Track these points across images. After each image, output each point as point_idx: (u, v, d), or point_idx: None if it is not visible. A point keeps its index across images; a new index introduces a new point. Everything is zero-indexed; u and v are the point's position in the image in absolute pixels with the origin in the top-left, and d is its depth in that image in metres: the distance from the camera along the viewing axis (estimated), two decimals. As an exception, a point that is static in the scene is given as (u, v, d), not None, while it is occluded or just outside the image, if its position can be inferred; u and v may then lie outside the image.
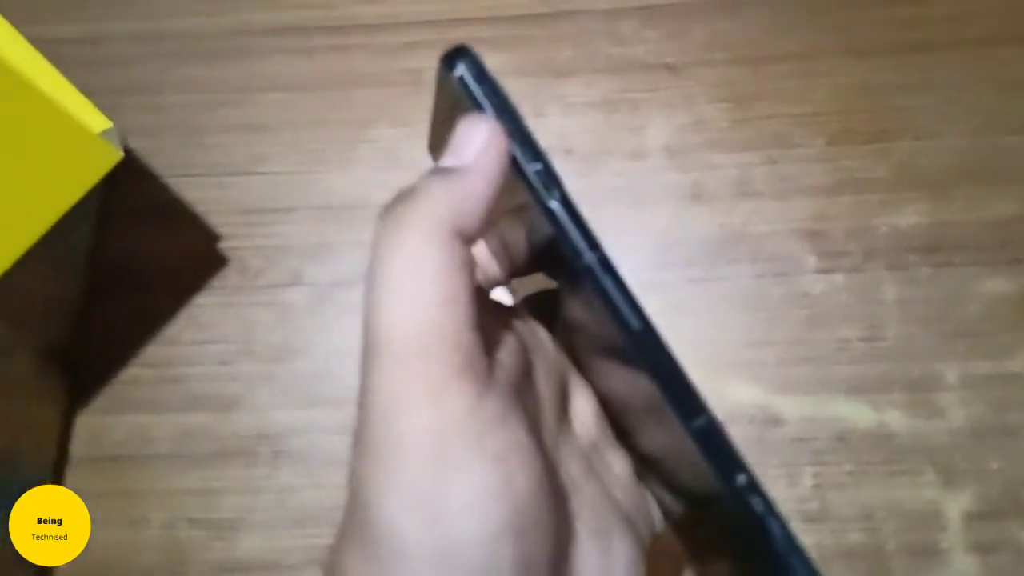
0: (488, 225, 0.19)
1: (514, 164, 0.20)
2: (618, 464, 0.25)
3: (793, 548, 0.18)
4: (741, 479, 0.18)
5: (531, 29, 0.43)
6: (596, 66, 0.42)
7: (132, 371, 0.39)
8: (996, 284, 0.37)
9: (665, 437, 0.20)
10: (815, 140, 0.40)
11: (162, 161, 0.42)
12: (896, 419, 0.35)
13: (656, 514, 0.25)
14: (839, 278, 0.38)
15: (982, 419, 0.35)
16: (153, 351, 0.40)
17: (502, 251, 0.25)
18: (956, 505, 0.34)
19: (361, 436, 0.18)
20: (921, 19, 0.42)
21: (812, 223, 0.39)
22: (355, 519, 0.18)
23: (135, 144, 0.42)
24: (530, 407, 0.21)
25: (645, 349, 0.19)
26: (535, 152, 0.20)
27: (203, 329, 0.40)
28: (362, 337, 0.18)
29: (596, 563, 0.21)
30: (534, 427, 0.20)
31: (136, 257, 0.41)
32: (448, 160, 0.19)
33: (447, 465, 0.17)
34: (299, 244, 0.40)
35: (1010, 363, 0.36)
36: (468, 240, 0.19)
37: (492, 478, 0.17)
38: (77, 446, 0.38)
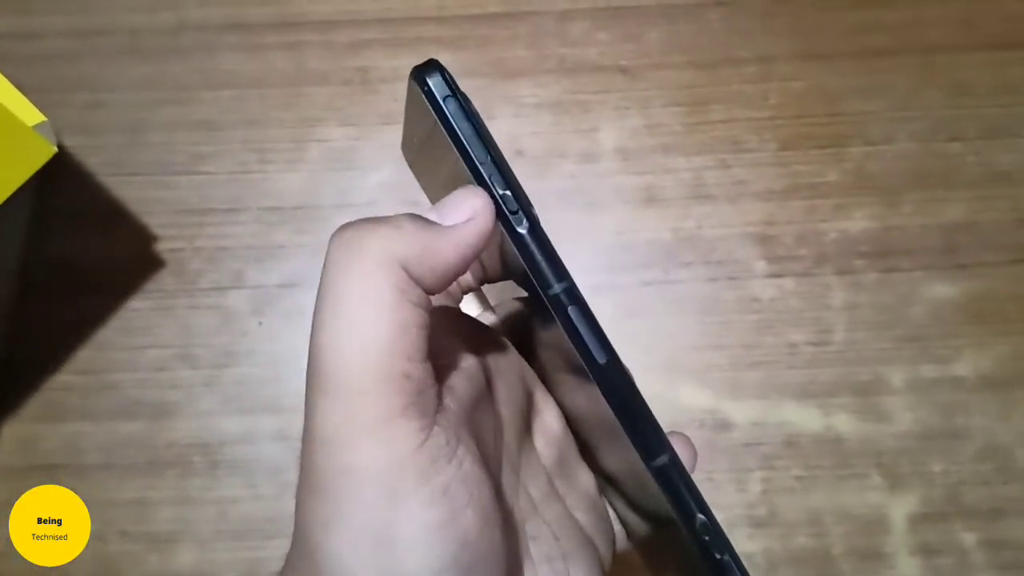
0: (445, 287, 0.20)
1: (483, 184, 0.21)
2: (583, 480, 0.26)
3: None
4: (700, 519, 0.19)
5: (484, 29, 0.44)
6: (548, 67, 0.44)
7: (63, 377, 0.40)
8: (942, 289, 0.40)
9: (626, 464, 0.21)
10: (768, 144, 0.43)
11: (100, 160, 0.43)
12: (844, 423, 0.38)
13: (619, 530, 0.26)
14: (789, 283, 0.40)
15: (928, 423, 0.38)
16: (86, 356, 0.40)
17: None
18: (901, 508, 0.36)
19: (306, 469, 0.19)
20: (876, 25, 0.45)
21: (764, 227, 0.41)
22: (300, 551, 0.19)
23: (72, 142, 0.43)
24: (487, 430, 0.22)
25: (609, 384, 0.20)
26: (505, 176, 0.21)
27: (138, 334, 0.41)
28: (308, 362, 0.19)
29: None
30: (489, 452, 0.22)
31: (69, 259, 0.42)
32: (432, 214, 0.20)
33: (393, 500, 0.17)
34: (242, 246, 0.41)
35: (955, 367, 0.38)
36: (421, 287, 0.19)
37: (438, 512, 0.18)
38: (5, 455, 0.39)
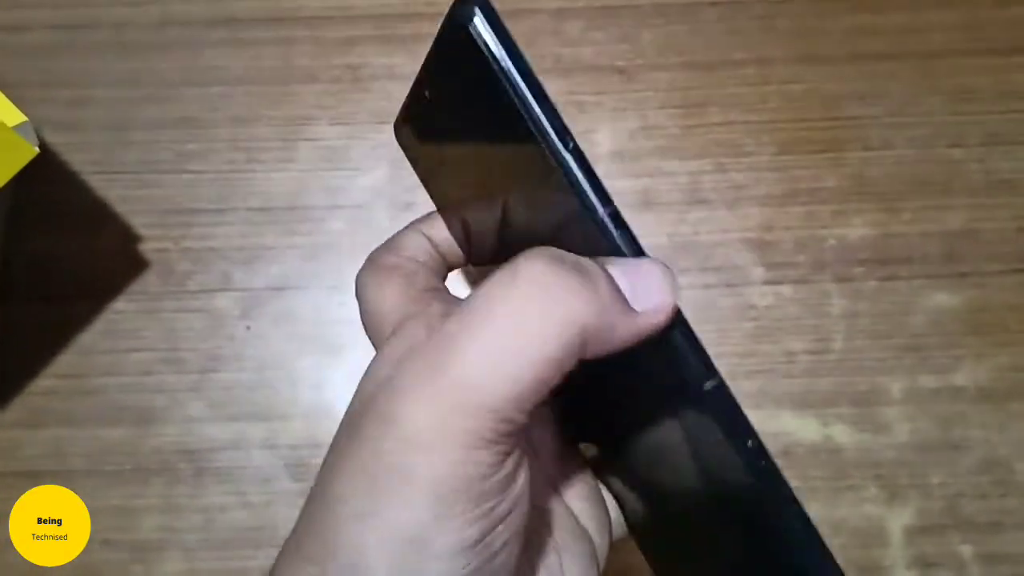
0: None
1: (525, 120, 0.19)
2: (578, 467, 0.26)
3: (810, 532, 0.19)
4: (751, 443, 0.19)
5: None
6: (544, 67, 0.43)
7: (46, 382, 0.40)
8: (942, 298, 0.40)
9: (657, 418, 0.21)
10: (767, 148, 0.42)
11: (82, 158, 0.42)
12: (842, 433, 0.38)
13: (616, 519, 0.26)
14: (786, 290, 0.40)
15: (927, 434, 0.38)
16: (68, 360, 0.40)
17: (465, 238, 0.27)
18: (899, 521, 0.36)
19: (356, 450, 0.19)
20: (876, 29, 0.44)
21: (761, 233, 0.41)
22: (315, 530, 0.19)
23: (53, 140, 0.42)
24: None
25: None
26: (552, 109, 0.19)
27: (123, 337, 0.40)
28: (426, 349, 0.18)
29: None
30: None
31: (51, 260, 0.41)
32: (624, 283, 0.19)
33: (441, 514, 0.18)
34: (230, 247, 0.41)
35: (955, 377, 0.38)
36: (579, 354, 0.19)
37: (477, 531, 0.18)
38: (-15, 461, 0.38)
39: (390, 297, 0.25)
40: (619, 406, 0.24)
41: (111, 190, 0.42)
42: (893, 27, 0.44)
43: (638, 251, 0.20)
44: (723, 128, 0.43)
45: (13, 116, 0.37)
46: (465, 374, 0.18)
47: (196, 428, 0.39)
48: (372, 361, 0.23)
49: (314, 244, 0.41)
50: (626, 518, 0.26)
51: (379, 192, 0.42)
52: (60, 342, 0.40)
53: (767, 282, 0.40)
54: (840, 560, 0.35)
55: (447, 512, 0.18)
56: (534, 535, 0.23)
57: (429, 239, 0.27)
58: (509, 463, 0.18)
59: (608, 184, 0.43)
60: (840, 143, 0.42)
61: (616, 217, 0.20)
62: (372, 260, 0.27)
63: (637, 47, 0.44)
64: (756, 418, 0.38)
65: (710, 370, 0.19)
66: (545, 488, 0.25)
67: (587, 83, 0.43)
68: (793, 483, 0.36)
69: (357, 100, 0.43)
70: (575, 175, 0.20)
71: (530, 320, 0.18)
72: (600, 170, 0.42)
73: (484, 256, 0.27)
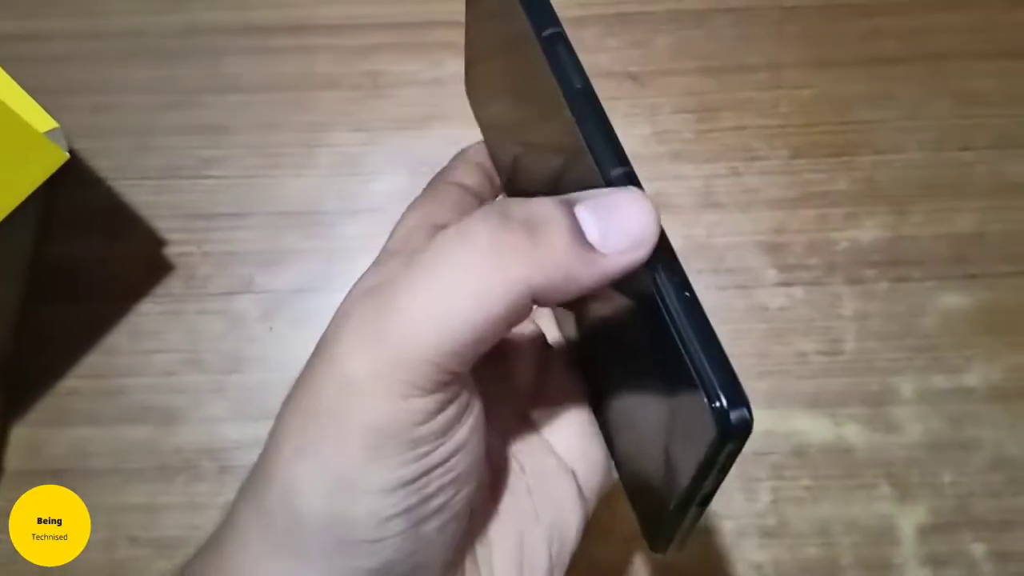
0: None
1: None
2: (572, 407, 0.26)
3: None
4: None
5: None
6: (559, 73, 0.44)
7: (71, 382, 0.40)
8: (953, 299, 0.40)
9: (627, 339, 0.20)
10: (779, 152, 0.43)
11: (108, 163, 0.43)
12: (854, 433, 0.38)
13: (609, 465, 0.25)
14: (799, 292, 0.40)
15: (938, 433, 0.38)
16: (94, 361, 0.41)
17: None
18: (910, 519, 0.37)
19: (305, 390, 0.19)
20: (887, 32, 0.45)
21: (774, 236, 0.41)
22: (261, 473, 0.20)
23: (80, 145, 0.43)
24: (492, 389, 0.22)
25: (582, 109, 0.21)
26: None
27: (146, 338, 0.41)
28: (367, 299, 0.19)
29: (512, 543, 0.23)
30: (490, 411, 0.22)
31: (77, 263, 0.42)
32: (592, 224, 0.18)
33: (374, 456, 0.18)
34: (251, 251, 0.42)
35: (966, 378, 0.39)
36: (537, 303, 0.19)
37: (410, 473, 0.18)
38: (12, 459, 0.39)
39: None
40: (597, 333, 0.24)
41: (135, 195, 0.43)
42: (903, 31, 0.45)
43: (624, 168, 0.20)
44: (736, 132, 0.43)
45: (45, 122, 0.38)
46: (404, 325, 0.18)
47: (218, 428, 0.40)
48: (354, 283, 0.23)
49: (333, 248, 0.42)
50: (612, 454, 0.25)
51: (397, 197, 0.43)
52: (85, 343, 0.41)
53: (779, 284, 0.41)
54: (851, 557, 0.36)
55: (378, 455, 0.18)
56: (501, 473, 0.23)
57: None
58: (450, 410, 0.19)
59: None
60: (851, 147, 0.43)
61: (600, 135, 0.21)
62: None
63: (650, 53, 0.45)
64: (769, 418, 0.39)
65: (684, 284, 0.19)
66: (520, 426, 0.25)
67: (601, 89, 0.43)
68: (805, 482, 0.37)
69: (376, 107, 0.44)
70: (559, 61, 0.21)
71: (471, 277, 0.18)
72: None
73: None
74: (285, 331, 0.41)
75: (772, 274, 0.41)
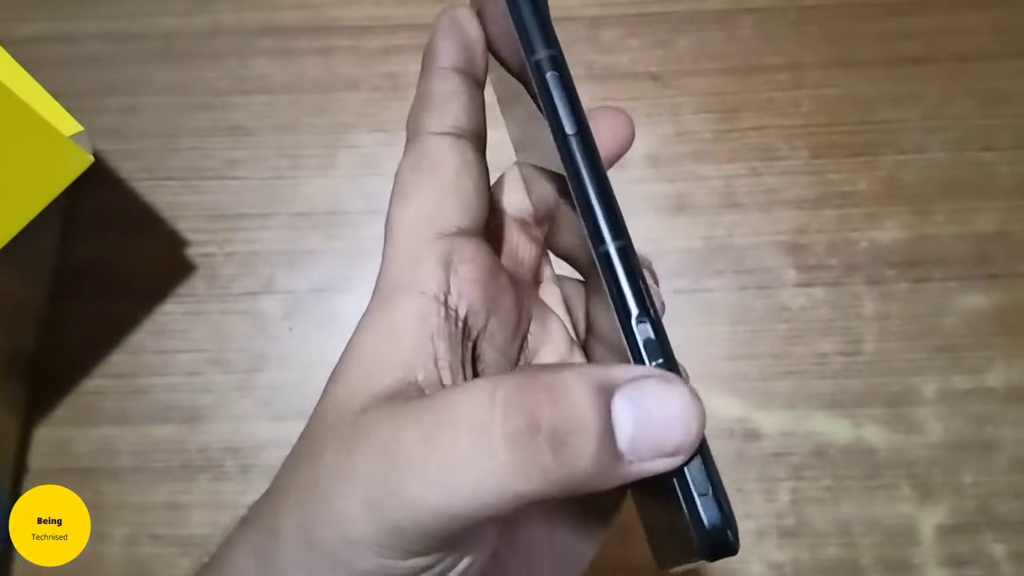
0: None
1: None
2: None
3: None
4: (637, 315, 0.18)
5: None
6: (578, 73, 0.44)
7: (96, 381, 0.42)
8: (974, 299, 0.41)
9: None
10: (800, 152, 0.44)
11: (132, 165, 0.44)
12: (874, 434, 0.39)
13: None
14: (819, 292, 0.41)
15: (959, 434, 0.39)
16: (118, 360, 0.42)
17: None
18: (931, 519, 0.38)
19: (295, 505, 0.19)
20: (908, 33, 0.46)
21: (795, 236, 0.42)
22: (262, 537, 0.19)
23: (104, 147, 0.44)
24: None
25: (573, 157, 0.19)
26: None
27: (171, 338, 0.42)
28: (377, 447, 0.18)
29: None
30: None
31: (102, 263, 0.43)
32: (627, 418, 0.17)
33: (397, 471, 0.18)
34: (273, 251, 0.43)
35: (987, 378, 0.40)
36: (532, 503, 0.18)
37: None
38: (37, 458, 0.40)
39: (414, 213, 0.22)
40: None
41: (159, 196, 0.44)
42: (925, 31, 0.46)
43: (619, 241, 0.19)
44: (756, 132, 0.44)
45: (70, 126, 0.39)
46: (408, 502, 0.17)
47: (242, 426, 0.41)
48: (360, 319, 0.21)
49: (354, 248, 0.43)
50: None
51: (418, 197, 0.43)
52: (110, 343, 0.42)
53: (800, 284, 0.42)
54: (871, 557, 0.37)
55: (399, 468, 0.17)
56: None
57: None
58: (447, 563, 0.18)
59: (643, 188, 0.45)
60: (873, 146, 0.44)
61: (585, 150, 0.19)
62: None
63: (672, 53, 0.45)
64: (789, 418, 0.39)
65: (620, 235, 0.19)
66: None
67: (622, 89, 0.45)
68: (825, 483, 0.38)
69: (396, 108, 0.45)
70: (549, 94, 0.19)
71: (477, 480, 0.17)
72: (634, 174, 0.44)
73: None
74: (308, 331, 0.42)
75: (792, 274, 0.42)
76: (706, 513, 0.17)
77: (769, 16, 0.46)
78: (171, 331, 0.42)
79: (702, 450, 0.17)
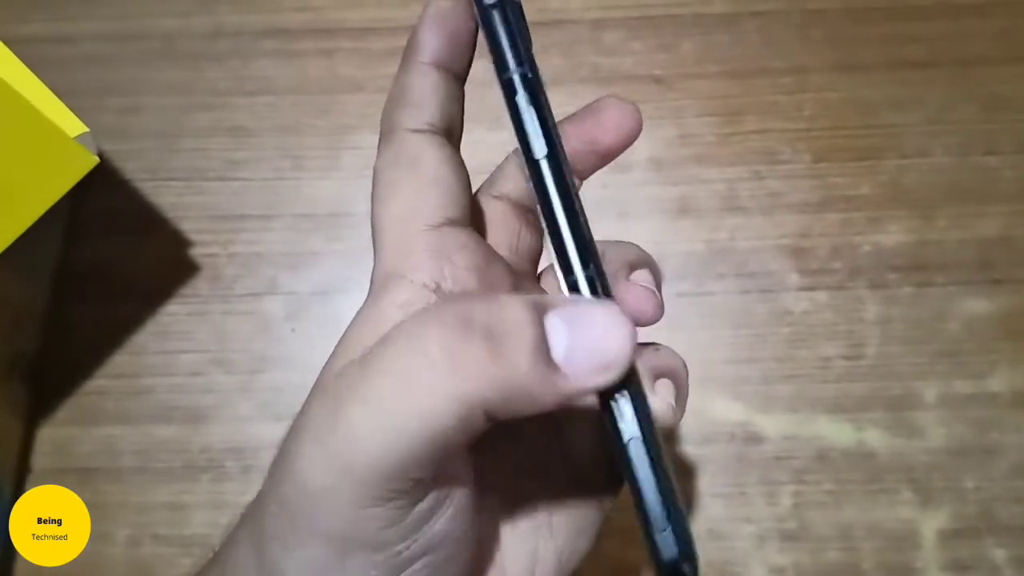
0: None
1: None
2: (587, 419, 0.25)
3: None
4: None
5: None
6: (582, 76, 0.45)
7: (99, 381, 0.42)
8: (977, 304, 0.41)
9: None
10: (803, 156, 0.44)
11: (135, 165, 0.44)
12: (876, 438, 0.39)
13: None
14: (822, 296, 0.41)
15: (961, 438, 0.39)
16: (121, 361, 0.42)
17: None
18: (932, 524, 0.38)
19: (272, 481, 0.19)
20: (912, 37, 0.46)
21: (798, 240, 0.42)
22: (256, 523, 0.20)
23: (107, 147, 0.44)
24: None
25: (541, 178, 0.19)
26: None
27: (173, 339, 0.42)
28: (330, 403, 0.18)
29: (524, 562, 0.23)
30: None
31: (104, 264, 0.43)
32: (560, 332, 0.17)
33: (343, 556, 0.18)
34: (276, 252, 0.43)
35: (989, 383, 0.40)
36: (489, 418, 0.18)
37: (388, 571, 0.18)
38: (40, 458, 0.41)
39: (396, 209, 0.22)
40: None
41: (162, 196, 0.44)
42: (929, 35, 0.46)
43: (586, 272, 0.19)
44: (760, 136, 0.44)
45: (75, 127, 0.39)
46: (352, 441, 0.17)
47: (244, 427, 0.41)
48: (339, 341, 0.22)
49: (356, 250, 0.43)
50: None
51: (420, 199, 0.44)
52: (112, 343, 0.42)
53: (802, 288, 0.42)
54: (873, 562, 0.37)
55: (346, 557, 0.18)
56: (520, 492, 0.23)
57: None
58: (419, 510, 0.18)
59: (646, 191, 0.46)
60: (876, 151, 0.44)
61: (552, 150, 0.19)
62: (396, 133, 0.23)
63: (675, 57, 0.46)
64: (791, 422, 0.40)
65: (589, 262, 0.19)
66: (545, 436, 0.24)
67: (625, 92, 0.44)
68: (827, 487, 0.38)
69: (399, 109, 0.45)
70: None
71: (418, 393, 0.17)
72: (637, 177, 0.44)
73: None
74: (310, 332, 0.42)
75: (795, 278, 0.42)
76: (664, 548, 0.18)
77: (773, 20, 0.46)
78: (174, 332, 0.42)
79: (661, 485, 0.18)
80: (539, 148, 0.19)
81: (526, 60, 0.19)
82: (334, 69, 0.46)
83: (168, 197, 0.44)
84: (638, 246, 0.26)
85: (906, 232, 0.42)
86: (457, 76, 0.23)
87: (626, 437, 0.19)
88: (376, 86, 0.45)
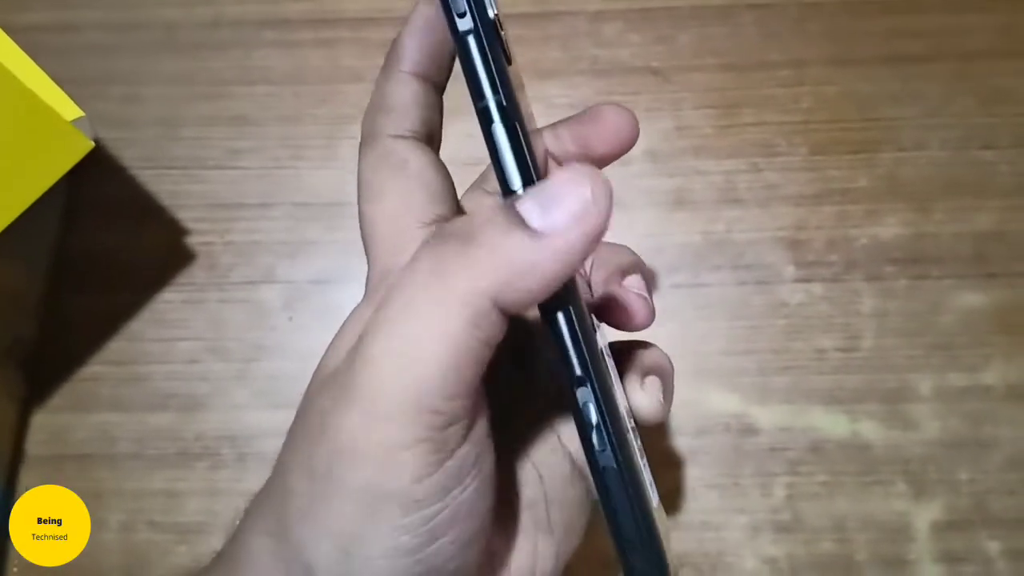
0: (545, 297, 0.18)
1: None
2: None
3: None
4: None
5: (516, 29, 0.46)
6: (580, 68, 0.45)
7: (94, 368, 0.42)
8: (972, 297, 0.41)
9: None
10: (800, 148, 0.44)
11: (133, 153, 0.44)
12: (870, 430, 0.39)
13: None
14: (818, 288, 0.41)
15: (955, 431, 0.39)
16: (117, 348, 0.42)
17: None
18: (926, 516, 0.38)
19: (303, 447, 0.19)
20: (910, 31, 0.46)
21: (794, 232, 0.42)
22: (274, 509, 0.20)
23: (106, 135, 0.44)
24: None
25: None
26: None
27: (170, 326, 0.42)
28: (352, 357, 0.19)
29: (527, 543, 0.23)
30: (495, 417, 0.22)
31: (102, 251, 0.43)
32: (533, 208, 0.18)
33: (373, 520, 0.18)
34: (274, 241, 0.43)
35: (984, 376, 0.40)
36: (508, 312, 0.18)
37: (413, 540, 0.18)
38: (34, 444, 0.41)
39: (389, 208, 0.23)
40: None
41: (160, 185, 0.44)
42: (926, 29, 0.46)
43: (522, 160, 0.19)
44: (757, 128, 0.44)
45: (71, 111, 0.39)
46: (373, 383, 0.18)
47: (239, 415, 0.41)
48: (335, 337, 0.23)
49: (354, 240, 0.42)
50: None
51: (418, 189, 0.44)
52: (109, 330, 0.42)
53: (799, 280, 0.42)
54: (866, 553, 0.37)
55: (376, 519, 0.18)
56: (527, 487, 0.23)
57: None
58: (448, 470, 0.18)
59: (642, 183, 0.45)
60: (873, 144, 0.44)
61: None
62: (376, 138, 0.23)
63: (673, 49, 0.46)
64: (786, 413, 0.39)
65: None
66: (548, 435, 0.25)
67: (623, 84, 0.45)
68: (821, 478, 0.38)
69: (398, 99, 0.45)
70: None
71: (423, 312, 0.17)
72: (634, 169, 0.44)
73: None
74: (306, 321, 0.42)
75: (791, 270, 0.42)
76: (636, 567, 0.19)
77: (770, 12, 0.46)
78: (170, 319, 0.42)
79: (635, 510, 0.19)
80: (515, 181, 0.19)
81: (501, 88, 0.19)
82: (334, 59, 0.46)
83: (166, 185, 0.44)
84: (629, 249, 0.27)
85: (902, 225, 0.42)
86: (437, 86, 0.24)
87: (601, 464, 0.19)
88: (375, 76, 0.45)
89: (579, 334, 0.19)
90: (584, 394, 0.19)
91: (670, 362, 0.25)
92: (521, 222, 0.18)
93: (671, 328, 0.41)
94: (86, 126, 0.40)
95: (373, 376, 0.18)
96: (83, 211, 0.44)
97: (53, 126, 0.34)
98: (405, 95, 0.23)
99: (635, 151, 0.44)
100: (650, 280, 0.25)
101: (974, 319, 0.41)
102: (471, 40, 0.19)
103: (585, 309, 0.20)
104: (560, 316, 0.19)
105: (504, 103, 0.19)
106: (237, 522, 0.22)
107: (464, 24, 0.19)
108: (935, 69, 0.45)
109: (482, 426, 0.19)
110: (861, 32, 0.46)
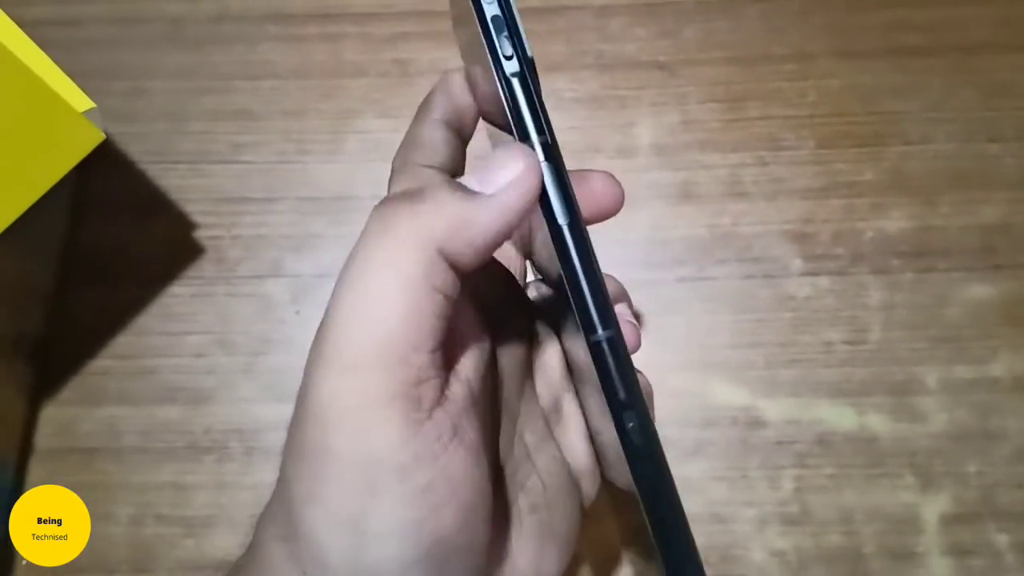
0: (487, 259, 0.20)
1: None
2: (576, 419, 0.27)
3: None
4: (622, 400, 0.20)
5: (525, 23, 0.45)
6: (586, 62, 0.45)
7: (102, 362, 0.42)
8: (979, 290, 0.41)
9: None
10: (806, 142, 0.44)
11: (140, 147, 0.44)
12: (878, 423, 0.39)
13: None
14: (825, 281, 0.41)
15: (962, 423, 0.39)
16: (124, 342, 0.42)
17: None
18: (934, 508, 0.37)
19: (294, 435, 0.19)
20: (916, 24, 0.46)
21: (800, 225, 0.42)
22: (282, 509, 0.20)
23: (113, 129, 0.44)
24: (487, 395, 0.23)
25: (565, 246, 0.20)
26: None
27: (177, 320, 0.42)
28: (317, 330, 0.19)
29: (532, 545, 0.23)
30: (487, 414, 0.23)
31: (109, 245, 0.43)
32: (473, 180, 0.20)
33: (370, 492, 0.18)
34: (280, 235, 0.43)
35: (991, 368, 0.39)
36: (457, 267, 0.19)
37: (413, 511, 0.18)
38: (43, 438, 0.40)
39: None
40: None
41: (167, 179, 0.44)
42: (930, 22, 0.46)
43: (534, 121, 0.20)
44: (763, 122, 0.44)
45: (82, 102, 0.39)
46: (340, 341, 0.19)
47: (247, 408, 0.41)
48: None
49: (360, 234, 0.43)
50: (601, 470, 0.27)
51: (424, 183, 0.43)
52: (117, 324, 0.42)
53: (805, 273, 0.41)
54: (874, 546, 0.37)
55: (374, 488, 0.18)
56: (529, 491, 0.24)
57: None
58: (432, 431, 0.19)
59: (648, 177, 0.45)
60: (879, 137, 0.44)
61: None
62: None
63: (679, 43, 0.45)
64: (793, 406, 0.39)
65: (609, 324, 0.20)
66: (547, 445, 0.25)
67: (629, 78, 0.45)
68: (829, 471, 0.38)
69: (404, 94, 0.45)
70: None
71: (376, 264, 0.19)
72: (640, 163, 0.44)
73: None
74: (313, 315, 0.42)
75: (798, 264, 0.42)
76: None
77: (774, 6, 0.46)
78: (178, 313, 0.42)
79: (686, 542, 0.21)
80: (561, 215, 0.20)
81: (546, 126, 0.20)
82: (338, 54, 0.45)
83: (173, 179, 0.44)
84: (614, 278, 0.28)
85: (909, 218, 0.42)
86: (462, 138, 0.26)
87: (643, 481, 0.20)
88: (379, 71, 0.45)
89: (623, 361, 0.20)
90: (629, 416, 0.20)
91: (649, 386, 0.26)
92: (463, 187, 0.20)
93: (677, 321, 0.41)
94: (97, 117, 0.39)
95: (340, 334, 0.19)
96: (91, 205, 0.43)
97: (64, 117, 0.33)
98: (435, 136, 0.25)
99: (641, 145, 0.44)
100: (631, 304, 0.27)
101: (981, 311, 0.40)
102: (516, 83, 0.20)
103: (623, 336, 0.20)
104: (605, 344, 0.20)
105: (549, 142, 0.20)
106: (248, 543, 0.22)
107: (511, 67, 0.20)
108: (938, 62, 0.45)
109: (459, 399, 0.20)
110: (864, 26, 0.46)
